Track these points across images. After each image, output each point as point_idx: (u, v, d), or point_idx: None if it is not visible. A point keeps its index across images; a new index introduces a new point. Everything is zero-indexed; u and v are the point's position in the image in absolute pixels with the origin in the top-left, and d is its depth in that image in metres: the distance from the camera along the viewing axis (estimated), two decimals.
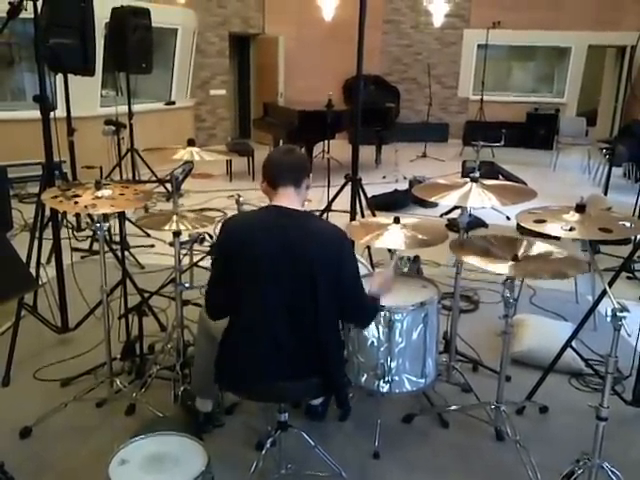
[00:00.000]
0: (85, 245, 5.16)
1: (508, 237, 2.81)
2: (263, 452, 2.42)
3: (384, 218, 3.12)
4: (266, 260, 2.14)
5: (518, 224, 2.67)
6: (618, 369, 3.21)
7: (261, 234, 2.17)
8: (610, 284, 2.94)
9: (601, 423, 2.18)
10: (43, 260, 3.59)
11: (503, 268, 2.49)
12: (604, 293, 2.94)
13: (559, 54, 12.00)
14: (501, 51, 12.00)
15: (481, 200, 2.86)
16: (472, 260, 2.57)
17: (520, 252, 2.61)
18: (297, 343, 2.17)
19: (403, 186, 7.48)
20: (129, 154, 6.31)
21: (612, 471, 2.28)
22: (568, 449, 2.53)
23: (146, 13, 6.10)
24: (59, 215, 3.78)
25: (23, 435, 2.76)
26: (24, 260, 2.79)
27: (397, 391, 2.80)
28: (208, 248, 3.08)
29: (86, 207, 2.66)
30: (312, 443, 2.53)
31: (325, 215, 4.54)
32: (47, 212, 3.48)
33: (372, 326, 2.71)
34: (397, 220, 2.97)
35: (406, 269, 3.18)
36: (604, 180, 7.55)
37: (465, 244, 2.85)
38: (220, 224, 2.31)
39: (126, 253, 4.51)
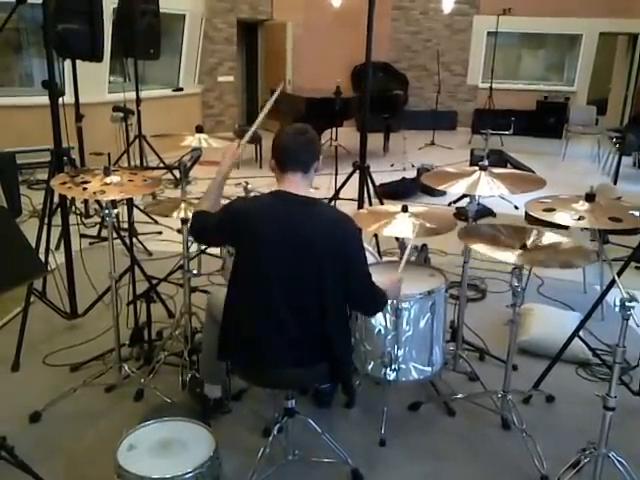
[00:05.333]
0: (93, 232, 5.17)
1: (517, 226, 2.79)
2: (270, 438, 2.43)
3: (392, 206, 3.11)
4: (269, 247, 2.12)
5: (527, 213, 2.65)
6: (625, 359, 3.20)
7: (265, 221, 2.14)
8: (619, 274, 2.93)
9: (608, 413, 2.18)
10: (52, 246, 3.61)
11: (511, 256, 2.47)
12: (612, 283, 2.93)
13: (570, 42, 11.87)
14: (511, 38, 11.87)
15: (490, 188, 2.84)
16: (480, 248, 2.55)
17: (529, 241, 2.59)
18: (302, 329, 2.16)
19: (411, 174, 7.46)
20: (137, 141, 6.30)
21: (618, 461, 2.29)
22: (574, 438, 2.54)
23: None
24: (68, 201, 3.79)
25: (33, 419, 2.78)
26: (33, 246, 2.79)
27: (404, 379, 2.81)
28: None
29: (95, 193, 2.66)
30: (319, 430, 2.54)
31: (333, 203, 4.53)
32: (56, 198, 3.49)
33: (379, 314, 2.71)
34: (405, 208, 2.96)
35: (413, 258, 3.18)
36: (614, 169, 7.52)
37: (473, 232, 2.83)
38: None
39: (134, 240, 4.52)
